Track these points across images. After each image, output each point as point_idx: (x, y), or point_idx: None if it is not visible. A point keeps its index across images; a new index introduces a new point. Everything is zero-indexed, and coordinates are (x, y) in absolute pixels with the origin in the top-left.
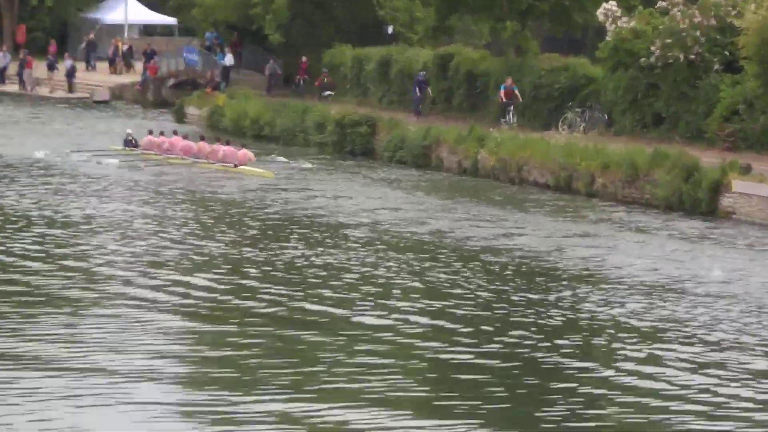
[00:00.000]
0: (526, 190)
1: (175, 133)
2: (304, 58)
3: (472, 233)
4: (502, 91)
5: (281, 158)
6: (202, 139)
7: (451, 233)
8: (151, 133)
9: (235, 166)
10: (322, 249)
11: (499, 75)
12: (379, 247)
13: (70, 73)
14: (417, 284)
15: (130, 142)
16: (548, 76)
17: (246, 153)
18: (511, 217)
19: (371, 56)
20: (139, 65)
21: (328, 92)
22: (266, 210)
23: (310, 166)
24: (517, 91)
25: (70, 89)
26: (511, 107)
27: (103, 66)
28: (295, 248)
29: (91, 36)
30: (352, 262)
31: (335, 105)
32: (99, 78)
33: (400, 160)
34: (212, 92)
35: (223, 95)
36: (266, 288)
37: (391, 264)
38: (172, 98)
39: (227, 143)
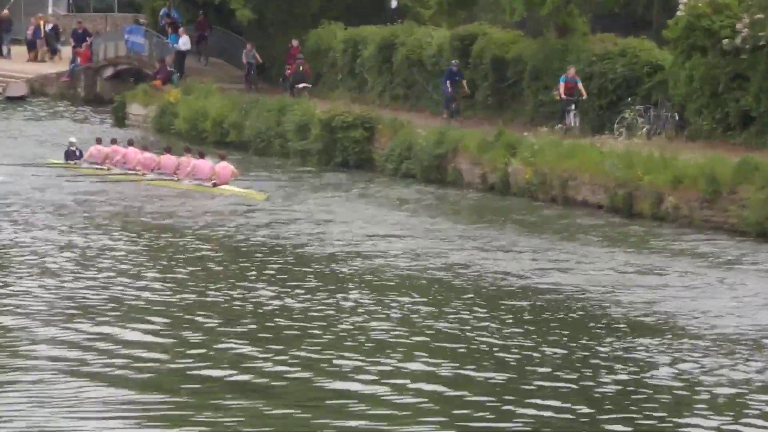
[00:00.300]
0: (572, 212)
1: (130, 143)
2: (294, 42)
3: (501, 268)
4: (562, 85)
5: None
6: (185, 151)
7: (472, 269)
8: (99, 141)
9: (215, 184)
10: (302, 291)
11: (536, 62)
12: (376, 287)
13: None
14: (425, 338)
15: (72, 154)
16: (601, 64)
17: (227, 167)
18: (552, 247)
19: (369, 38)
20: (67, 50)
21: (303, 84)
22: (233, 239)
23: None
24: (580, 85)
25: None
26: (573, 105)
27: (19, 51)
28: (267, 289)
29: (4, 12)
30: (341, 309)
31: (321, 102)
32: (14, 67)
33: (406, 173)
34: (162, 86)
35: (176, 90)
36: (227, 343)
37: (391, 310)
38: (109, 93)
39: (201, 155)
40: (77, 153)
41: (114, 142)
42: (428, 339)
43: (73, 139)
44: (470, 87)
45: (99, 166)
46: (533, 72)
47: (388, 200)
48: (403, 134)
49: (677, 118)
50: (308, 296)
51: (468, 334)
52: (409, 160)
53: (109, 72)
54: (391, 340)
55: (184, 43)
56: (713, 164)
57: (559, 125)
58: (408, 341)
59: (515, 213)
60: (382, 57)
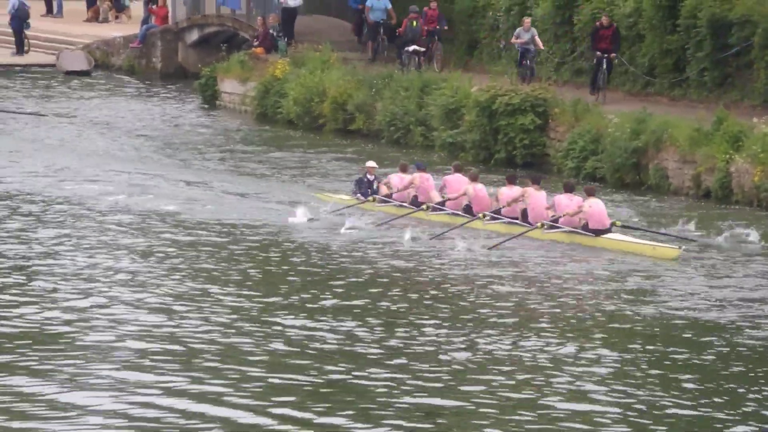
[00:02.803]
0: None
1: (457, 169)
2: (432, 4)
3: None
4: None
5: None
6: (508, 180)
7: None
8: (404, 169)
9: (597, 232)
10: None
11: None
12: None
13: (17, 21)
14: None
15: (368, 185)
16: None
17: (599, 205)
18: None
19: None
20: (137, 7)
21: (414, 48)
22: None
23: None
24: None
25: (19, 48)
26: None
27: (75, 8)
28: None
29: None
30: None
31: (478, 78)
32: (69, 30)
33: (591, 174)
34: (265, 54)
35: (284, 60)
36: None
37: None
38: (194, 65)
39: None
40: (372, 182)
41: (421, 169)
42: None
43: (372, 164)
44: (681, 57)
45: (404, 204)
46: (767, 37)
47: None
48: (589, 121)
49: None
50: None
51: None
52: (595, 156)
53: (194, 36)
54: None
55: None
56: None
57: None
58: None
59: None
60: (561, 17)
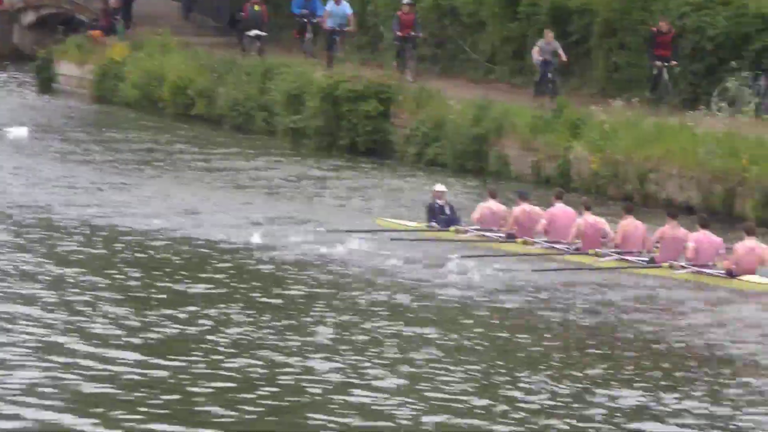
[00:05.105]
0: (656, 216)
1: (559, 196)
2: None
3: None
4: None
5: None
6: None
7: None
8: (493, 195)
9: (731, 274)
10: None
11: (609, 13)
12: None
13: None
14: None
15: (439, 211)
16: (696, 16)
17: (759, 248)
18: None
19: None
20: None
21: (255, 32)
22: None
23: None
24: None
25: None
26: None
27: None
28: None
29: None
30: None
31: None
32: None
33: (433, 160)
34: (103, 37)
35: (122, 44)
36: None
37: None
38: (30, 47)
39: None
40: (445, 209)
41: (525, 198)
42: None
43: (441, 188)
44: (522, 44)
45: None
46: (605, 26)
47: (409, 198)
48: (432, 108)
49: None
50: None
51: None
52: (437, 142)
53: (30, 18)
54: None
55: None
56: None
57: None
58: None
59: None
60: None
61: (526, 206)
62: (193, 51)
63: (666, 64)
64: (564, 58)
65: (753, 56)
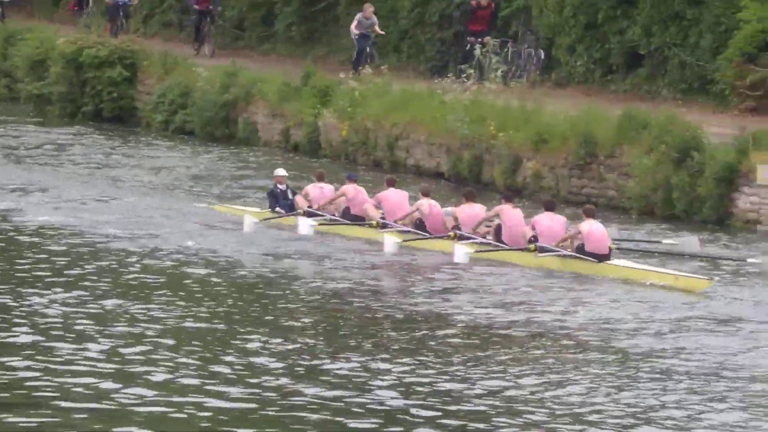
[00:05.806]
0: (405, 184)
1: (393, 183)
2: None
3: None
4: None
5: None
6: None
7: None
8: (320, 177)
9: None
10: None
11: None
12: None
13: None
14: None
15: (281, 196)
16: None
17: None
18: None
19: None
20: None
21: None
22: None
23: None
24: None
25: None
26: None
27: None
28: None
29: None
30: None
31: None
32: None
33: (181, 128)
34: None
35: None
36: None
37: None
38: None
39: (509, 200)
40: (288, 193)
41: (353, 180)
42: None
43: (282, 172)
44: (270, 11)
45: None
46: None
47: (150, 164)
48: (178, 75)
49: (543, 56)
50: None
51: None
52: (185, 110)
53: None
54: None
55: None
56: (589, 119)
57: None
58: None
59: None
60: None
61: (357, 186)
62: None
63: (480, 39)
64: (380, 31)
65: (500, 23)
